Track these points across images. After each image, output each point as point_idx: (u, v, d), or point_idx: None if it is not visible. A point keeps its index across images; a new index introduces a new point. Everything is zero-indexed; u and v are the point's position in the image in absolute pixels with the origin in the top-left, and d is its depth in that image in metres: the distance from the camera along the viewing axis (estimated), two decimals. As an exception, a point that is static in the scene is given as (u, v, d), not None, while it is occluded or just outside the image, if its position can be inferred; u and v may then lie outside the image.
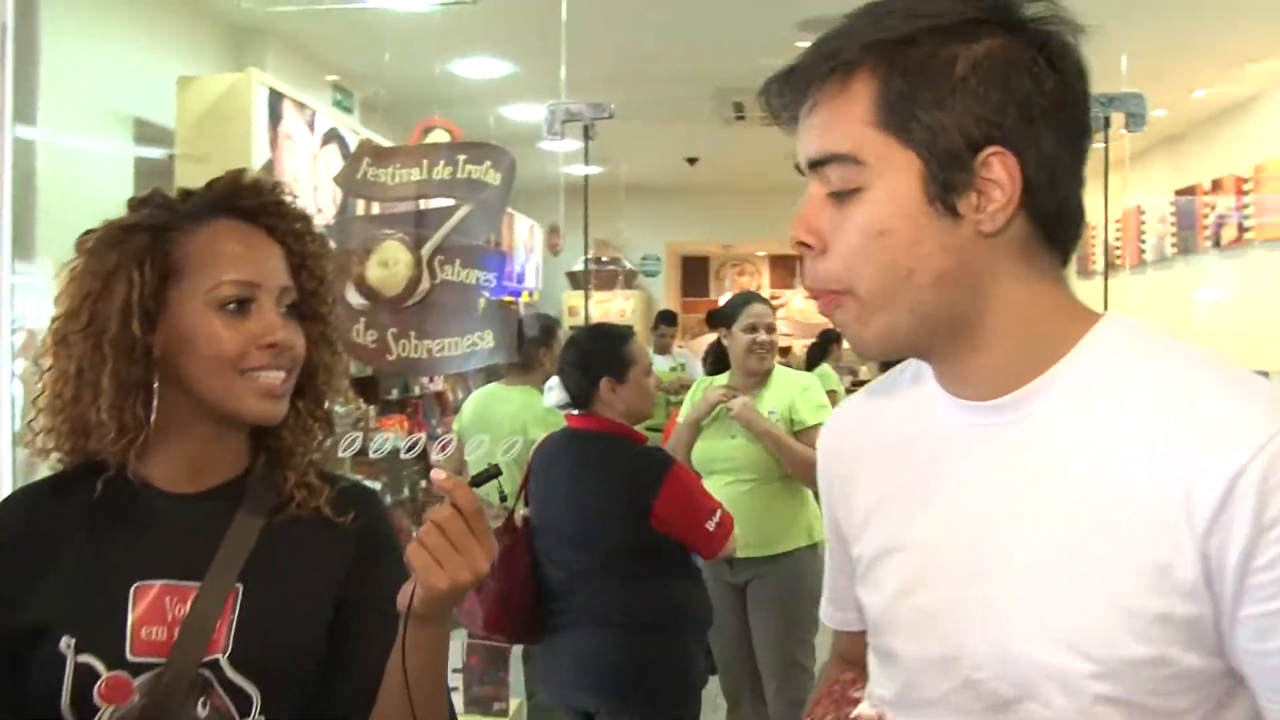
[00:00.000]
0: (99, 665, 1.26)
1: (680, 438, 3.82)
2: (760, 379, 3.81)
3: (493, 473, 1.28)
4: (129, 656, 1.27)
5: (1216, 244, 7.90)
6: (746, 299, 3.94)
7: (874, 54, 0.99)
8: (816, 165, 1.03)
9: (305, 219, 1.45)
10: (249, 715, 1.29)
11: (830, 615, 1.35)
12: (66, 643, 1.26)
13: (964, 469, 1.06)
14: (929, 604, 1.06)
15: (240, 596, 1.32)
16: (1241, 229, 7.55)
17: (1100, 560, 0.95)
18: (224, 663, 1.29)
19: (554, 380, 3.05)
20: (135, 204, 1.39)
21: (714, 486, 3.61)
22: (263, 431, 1.41)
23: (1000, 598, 0.99)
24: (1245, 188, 7.54)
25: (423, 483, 5.28)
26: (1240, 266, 7.64)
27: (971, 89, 0.97)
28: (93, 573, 1.31)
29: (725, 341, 3.92)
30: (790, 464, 3.64)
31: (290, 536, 1.38)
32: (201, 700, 1.27)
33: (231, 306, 1.33)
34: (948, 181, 0.98)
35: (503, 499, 1.30)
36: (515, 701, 3.54)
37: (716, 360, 4.20)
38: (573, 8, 4.32)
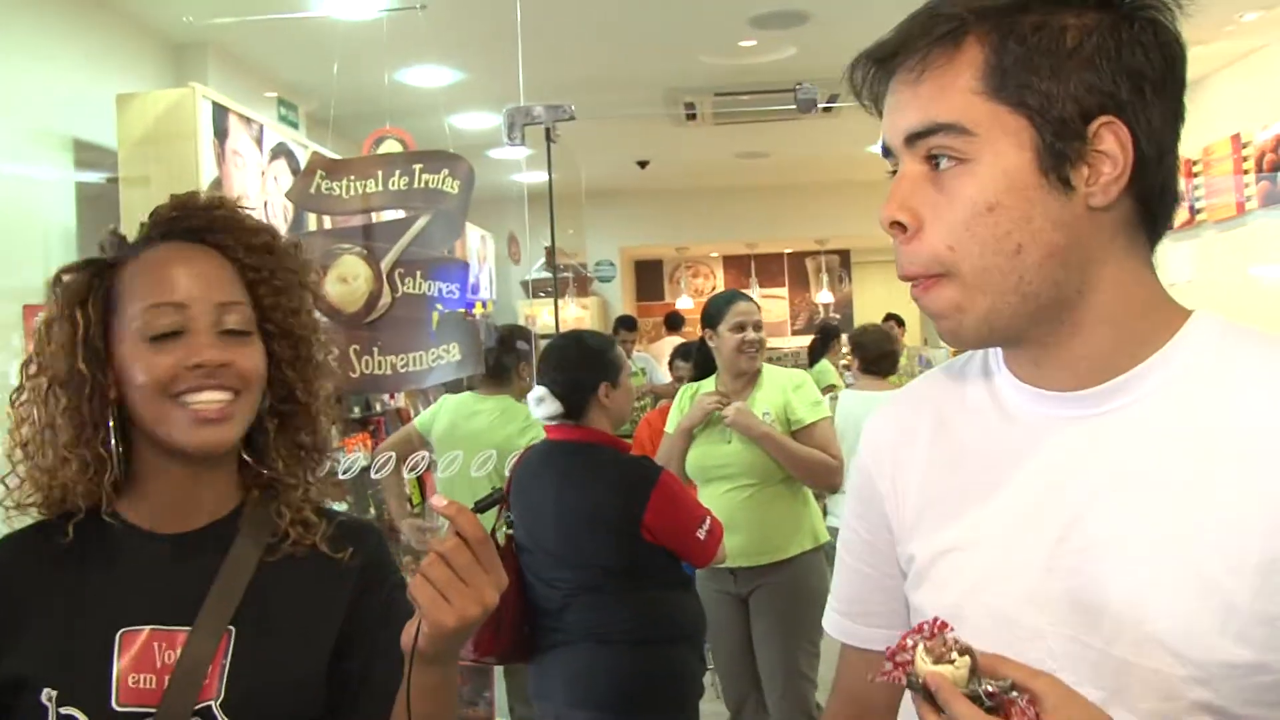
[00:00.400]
0: (82, 718, 1.21)
1: (673, 447, 3.69)
2: (750, 379, 3.69)
3: (497, 497, 1.21)
4: (114, 706, 1.21)
5: (1169, 226, 7.94)
6: (730, 297, 3.80)
7: (984, 20, 0.97)
8: (917, 138, 0.99)
9: (264, 231, 1.39)
10: None
11: (847, 630, 1.25)
12: (48, 695, 1.21)
13: (1044, 462, 1.01)
14: (1003, 603, 1.01)
15: (233, 640, 1.26)
16: (1193, 211, 7.61)
17: (1202, 559, 0.91)
18: (216, 709, 1.23)
19: (541, 392, 2.92)
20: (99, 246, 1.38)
21: (711, 495, 3.52)
22: (253, 465, 1.36)
23: (1089, 597, 0.94)
24: (1195, 170, 7.59)
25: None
26: (1193, 248, 7.69)
27: (1085, 58, 0.95)
28: (75, 621, 1.26)
29: (711, 343, 3.76)
30: (792, 465, 3.54)
31: (285, 575, 1.31)
32: None
33: (159, 333, 1.27)
34: (1060, 151, 0.96)
35: (510, 524, 1.22)
36: (499, 722, 3.47)
37: (702, 363, 4.06)
38: (522, 11, 4.24)
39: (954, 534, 1.06)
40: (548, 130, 3.92)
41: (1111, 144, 0.95)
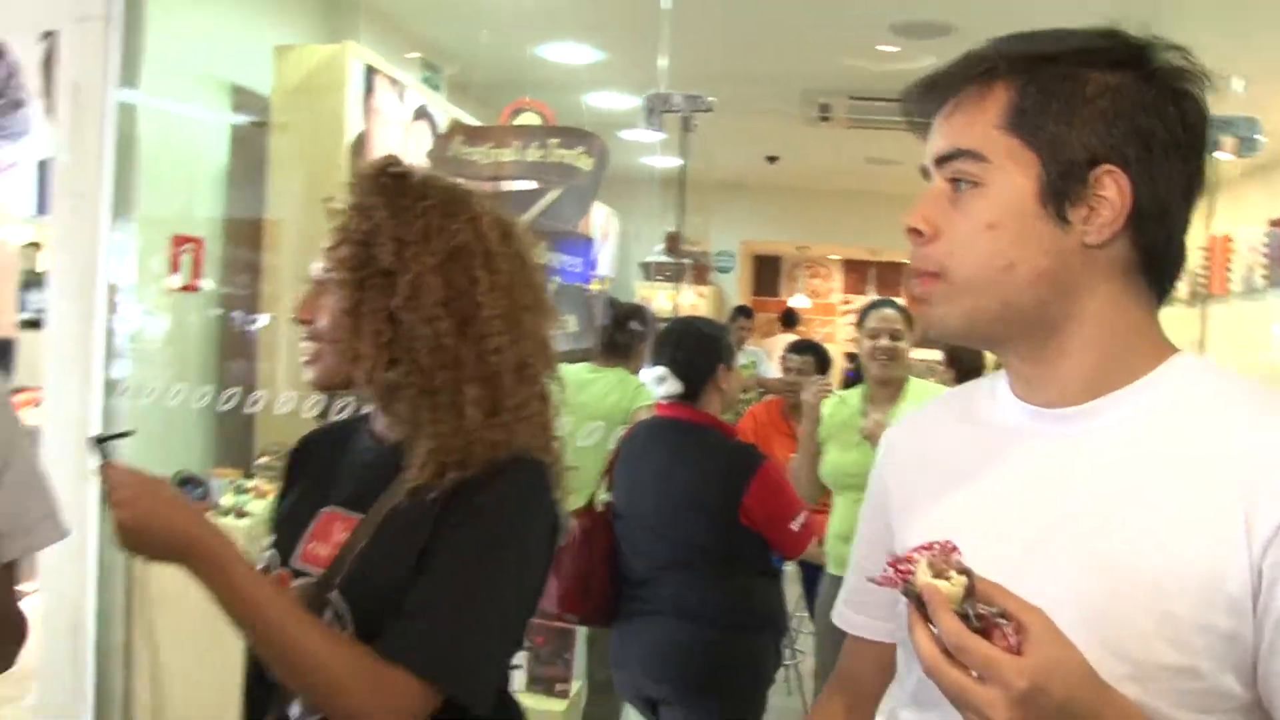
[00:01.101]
0: (276, 563, 1.55)
1: (802, 454, 3.70)
2: (894, 390, 3.63)
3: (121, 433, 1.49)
4: (294, 563, 1.53)
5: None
6: (876, 303, 3.80)
7: (1015, 67, 1.08)
8: (943, 160, 1.11)
9: (363, 169, 1.55)
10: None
11: (849, 619, 1.38)
12: (269, 542, 1.59)
13: (1024, 470, 1.11)
14: None
15: (373, 533, 1.45)
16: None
17: (1149, 568, 0.99)
18: (336, 583, 1.46)
19: (663, 371, 3.00)
20: None
21: (844, 504, 3.52)
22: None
23: (1039, 594, 0.98)
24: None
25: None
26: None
27: (1099, 110, 1.06)
28: (306, 495, 1.60)
29: (857, 349, 3.77)
30: None
31: (425, 488, 1.45)
32: (322, 612, 1.44)
33: None
34: (1062, 189, 1.06)
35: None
36: (576, 684, 3.56)
37: (857, 369, 4.06)
38: (670, -2, 4.31)
39: (933, 528, 1.12)
40: (685, 120, 3.98)
41: (1112, 191, 1.05)
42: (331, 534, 1.51)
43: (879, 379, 3.63)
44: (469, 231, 1.48)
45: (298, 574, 1.51)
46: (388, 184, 1.49)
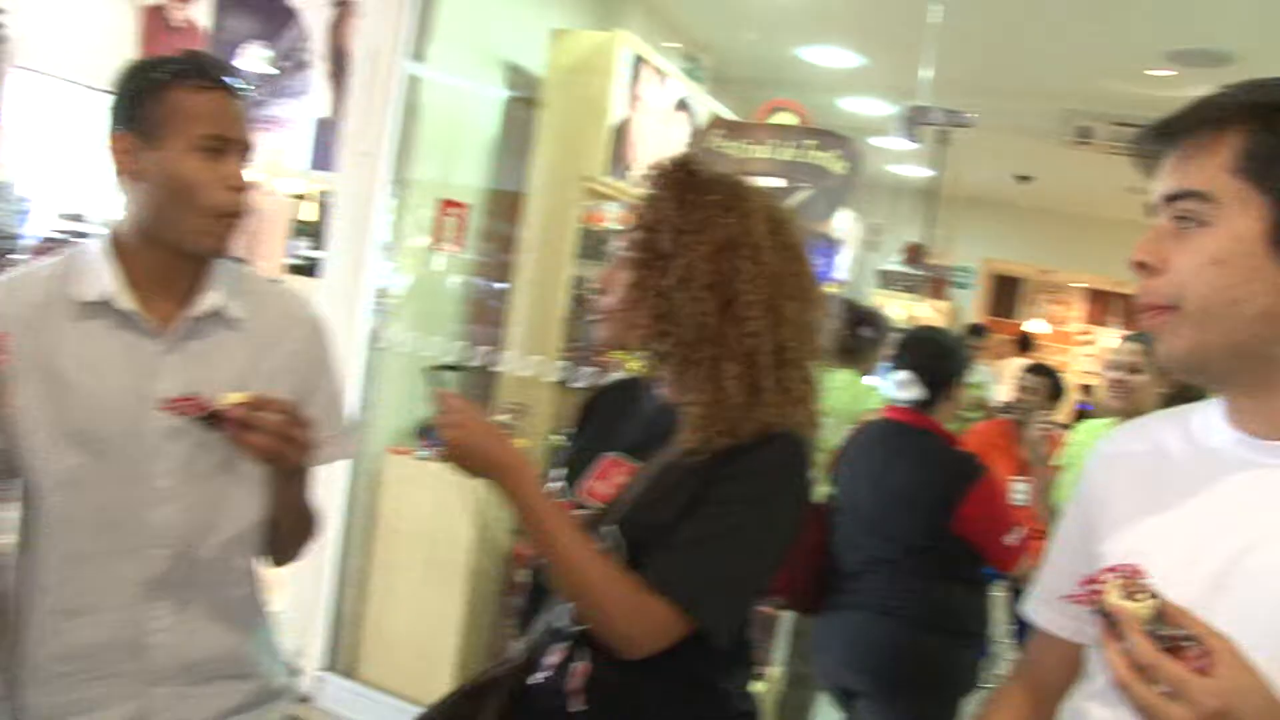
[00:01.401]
0: (566, 494, 1.74)
1: (1039, 479, 3.74)
2: None
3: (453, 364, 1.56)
4: (578, 497, 1.72)
5: None
6: (1127, 337, 3.74)
7: (1248, 114, 1.11)
8: (1171, 199, 1.15)
9: (656, 174, 1.72)
10: None
11: (1038, 612, 1.42)
12: (560, 475, 1.79)
13: (1226, 493, 1.15)
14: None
15: (649, 481, 1.64)
16: None
17: None
18: (615, 521, 1.64)
19: (906, 376, 3.09)
20: None
21: None
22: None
23: (1227, 611, 1.03)
24: None
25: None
26: None
27: None
28: (592, 440, 1.81)
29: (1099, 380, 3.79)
30: None
31: (697, 450, 1.62)
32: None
33: None
34: None
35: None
36: (775, 670, 3.64)
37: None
38: (933, 9, 4.32)
39: (1138, 539, 1.19)
40: (942, 132, 4.01)
41: None
42: (611, 476, 1.71)
43: (1118, 411, 3.58)
44: (738, 226, 1.63)
45: (578, 506, 1.70)
46: (681, 178, 1.68)
